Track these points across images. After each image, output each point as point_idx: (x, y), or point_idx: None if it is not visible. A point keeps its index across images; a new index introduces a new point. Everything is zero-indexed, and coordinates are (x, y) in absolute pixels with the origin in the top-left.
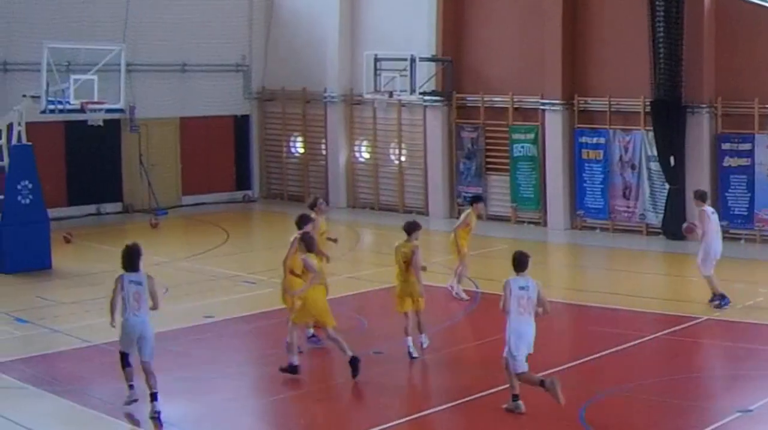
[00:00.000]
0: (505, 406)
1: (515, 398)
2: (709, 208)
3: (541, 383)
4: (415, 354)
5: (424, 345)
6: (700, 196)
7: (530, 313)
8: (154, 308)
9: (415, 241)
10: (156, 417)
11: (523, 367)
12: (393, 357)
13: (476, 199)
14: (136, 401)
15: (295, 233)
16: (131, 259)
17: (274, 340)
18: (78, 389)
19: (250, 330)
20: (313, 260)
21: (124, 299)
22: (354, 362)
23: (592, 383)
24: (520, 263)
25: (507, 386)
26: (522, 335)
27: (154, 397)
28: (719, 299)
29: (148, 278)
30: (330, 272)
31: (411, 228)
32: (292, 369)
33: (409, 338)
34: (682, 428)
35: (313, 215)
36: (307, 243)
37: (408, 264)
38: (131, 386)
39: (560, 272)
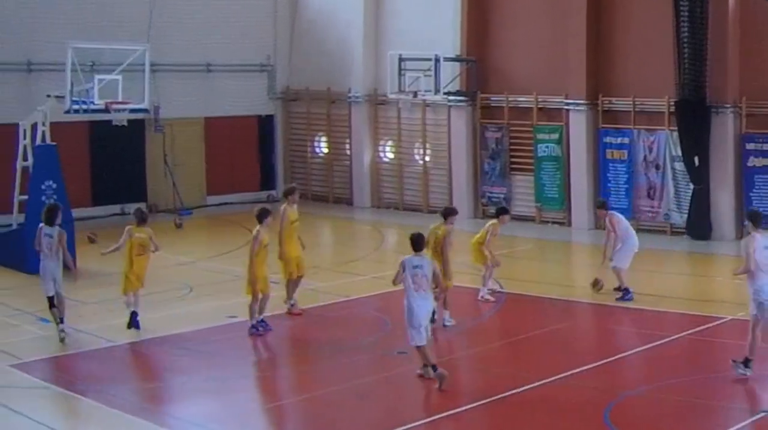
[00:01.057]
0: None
1: (435, 368)
2: (614, 212)
3: (433, 367)
4: (447, 323)
5: (447, 323)
6: (602, 205)
7: (425, 289)
8: (64, 259)
9: (450, 225)
10: (63, 338)
11: (420, 340)
12: (417, 357)
13: (503, 211)
14: (66, 335)
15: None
16: (49, 215)
17: (297, 340)
18: (101, 389)
19: (274, 330)
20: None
21: (43, 246)
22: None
23: (616, 383)
24: (416, 243)
25: (534, 385)
26: (415, 310)
27: (61, 320)
28: (624, 293)
29: (59, 233)
30: (355, 272)
31: (447, 212)
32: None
33: (446, 312)
34: (707, 429)
35: (285, 204)
36: None
37: (438, 245)
38: (61, 321)
39: (584, 271)
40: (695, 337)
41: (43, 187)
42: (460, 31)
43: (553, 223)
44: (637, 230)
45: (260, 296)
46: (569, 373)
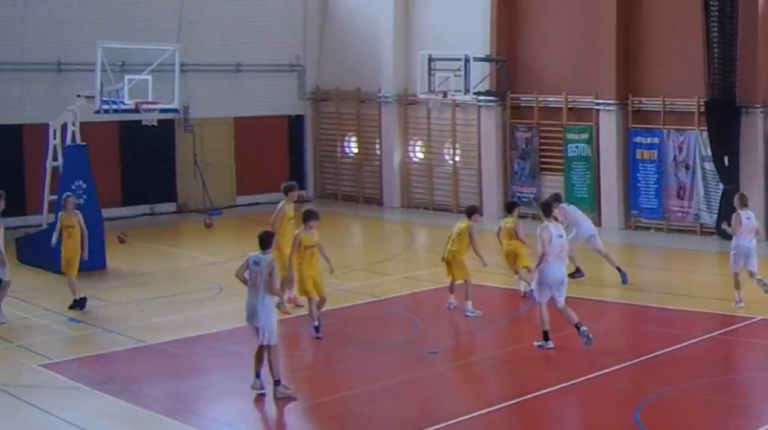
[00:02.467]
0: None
1: (258, 374)
2: (563, 205)
3: (257, 374)
4: (470, 314)
5: (469, 313)
6: (556, 199)
7: (254, 286)
8: None
9: (474, 222)
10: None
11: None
12: (447, 357)
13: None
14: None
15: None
16: None
17: (328, 340)
18: (132, 389)
19: (304, 331)
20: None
21: None
22: None
23: (646, 383)
24: (262, 241)
25: (563, 385)
26: (246, 303)
27: None
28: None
29: None
30: (385, 272)
31: (471, 211)
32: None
33: (469, 302)
34: (737, 429)
35: (284, 200)
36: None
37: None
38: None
39: (614, 271)
40: (725, 337)
41: (73, 187)
42: (489, 31)
43: None
44: (668, 230)
45: (314, 297)
46: (599, 373)
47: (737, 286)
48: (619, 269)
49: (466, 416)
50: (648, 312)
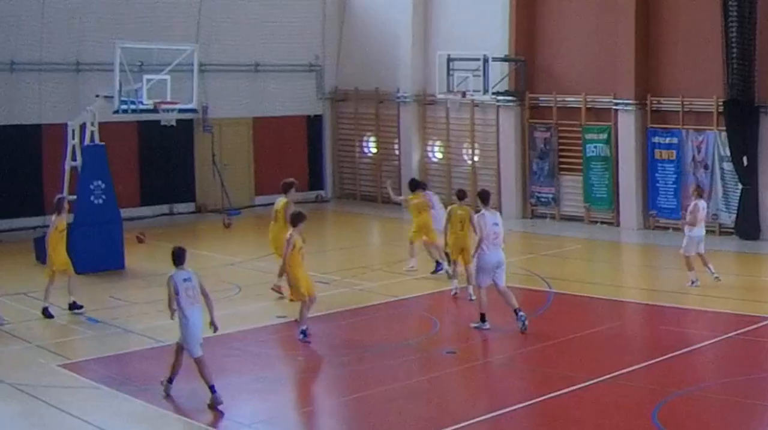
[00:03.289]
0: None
1: (213, 389)
2: (426, 192)
3: (212, 388)
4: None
5: (474, 297)
6: (462, 195)
7: (197, 301)
8: None
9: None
10: None
11: (198, 352)
12: (465, 357)
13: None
14: None
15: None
16: None
17: (346, 340)
18: (151, 389)
19: (323, 330)
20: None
21: None
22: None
23: (665, 382)
24: (178, 257)
25: (582, 385)
26: (191, 325)
27: None
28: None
29: None
30: (404, 273)
31: (463, 194)
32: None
33: (470, 286)
34: (756, 429)
35: (284, 197)
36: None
37: (464, 224)
38: None
39: (633, 272)
40: (744, 337)
41: (91, 187)
42: (508, 31)
43: (602, 223)
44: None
45: (306, 300)
46: (617, 373)
47: (691, 267)
48: (437, 263)
49: (485, 416)
50: (666, 312)
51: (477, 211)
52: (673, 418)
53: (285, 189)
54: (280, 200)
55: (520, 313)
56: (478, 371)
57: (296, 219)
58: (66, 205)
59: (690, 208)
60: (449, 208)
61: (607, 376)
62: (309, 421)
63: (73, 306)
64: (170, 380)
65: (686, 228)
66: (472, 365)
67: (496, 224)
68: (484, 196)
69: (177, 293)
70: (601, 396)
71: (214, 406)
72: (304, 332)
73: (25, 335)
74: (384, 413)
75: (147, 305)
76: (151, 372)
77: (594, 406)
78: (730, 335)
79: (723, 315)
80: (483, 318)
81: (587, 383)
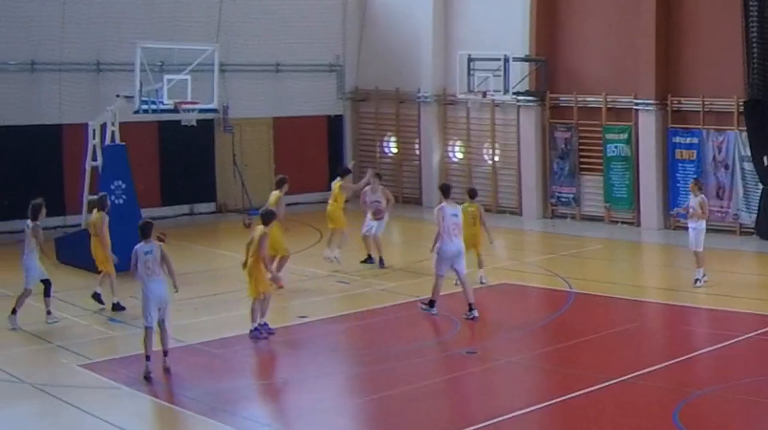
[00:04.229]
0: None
1: (148, 358)
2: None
3: (147, 357)
4: (485, 281)
5: (484, 280)
6: (476, 196)
7: (155, 273)
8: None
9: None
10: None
11: (151, 322)
12: (486, 357)
13: (346, 171)
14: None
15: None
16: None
17: (367, 340)
18: (171, 389)
19: (344, 330)
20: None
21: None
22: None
23: (686, 382)
24: (143, 231)
25: (602, 384)
26: (149, 294)
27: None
28: (428, 306)
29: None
30: (424, 272)
31: (474, 193)
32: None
33: (481, 271)
34: None
35: (280, 194)
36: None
37: (475, 220)
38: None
39: (653, 271)
40: (765, 337)
41: (112, 187)
42: (529, 31)
43: (622, 223)
44: (707, 230)
45: (263, 296)
46: (638, 373)
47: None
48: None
49: (505, 416)
50: (687, 312)
51: (439, 204)
52: (694, 418)
53: (279, 184)
54: (274, 194)
55: (474, 310)
56: (498, 372)
57: (270, 218)
58: (109, 203)
59: (699, 201)
60: (462, 206)
61: (628, 376)
62: (329, 421)
63: (117, 306)
64: (147, 358)
65: (698, 223)
66: (492, 365)
67: (455, 215)
68: (444, 190)
69: (136, 264)
70: (621, 396)
71: (165, 370)
72: (259, 330)
73: (46, 335)
74: (404, 413)
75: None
76: (172, 372)
77: (614, 406)
78: (750, 335)
79: (744, 315)
80: (432, 304)
81: (607, 383)
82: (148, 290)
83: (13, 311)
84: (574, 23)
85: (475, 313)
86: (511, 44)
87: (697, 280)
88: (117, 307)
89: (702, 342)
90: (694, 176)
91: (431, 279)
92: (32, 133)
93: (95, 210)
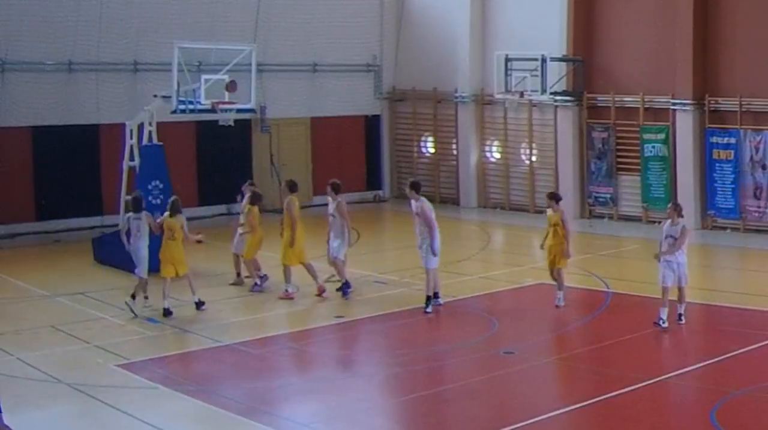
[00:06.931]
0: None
1: (133, 297)
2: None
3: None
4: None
5: (560, 303)
6: (413, 187)
7: (141, 237)
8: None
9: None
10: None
11: (142, 275)
12: (523, 357)
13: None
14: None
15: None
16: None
17: (404, 340)
18: (209, 389)
19: (381, 330)
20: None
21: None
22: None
23: (723, 383)
24: (134, 204)
25: (640, 385)
26: (139, 249)
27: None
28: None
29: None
30: (462, 272)
31: (558, 197)
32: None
33: (560, 293)
34: None
35: (293, 196)
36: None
37: (557, 227)
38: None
39: (691, 272)
40: None
41: (149, 187)
42: (566, 31)
43: (660, 223)
44: (744, 230)
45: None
46: (675, 373)
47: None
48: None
49: (543, 416)
50: (725, 312)
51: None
52: (732, 418)
53: (291, 187)
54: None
55: (438, 298)
56: (536, 372)
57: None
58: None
59: (680, 230)
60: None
61: (665, 376)
62: (367, 421)
63: (166, 312)
64: (133, 296)
65: (680, 253)
66: (530, 366)
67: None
68: (414, 186)
69: (128, 229)
70: (658, 396)
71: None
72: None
73: (83, 335)
74: (442, 412)
75: (205, 304)
76: (209, 372)
77: (651, 406)
78: None
79: None
80: (428, 301)
81: (645, 383)
82: (137, 249)
83: (133, 297)
84: (611, 23)
85: (437, 302)
86: (548, 44)
87: (680, 315)
88: (167, 312)
89: (739, 342)
90: (672, 200)
91: (469, 279)
92: (69, 133)
93: (167, 214)
